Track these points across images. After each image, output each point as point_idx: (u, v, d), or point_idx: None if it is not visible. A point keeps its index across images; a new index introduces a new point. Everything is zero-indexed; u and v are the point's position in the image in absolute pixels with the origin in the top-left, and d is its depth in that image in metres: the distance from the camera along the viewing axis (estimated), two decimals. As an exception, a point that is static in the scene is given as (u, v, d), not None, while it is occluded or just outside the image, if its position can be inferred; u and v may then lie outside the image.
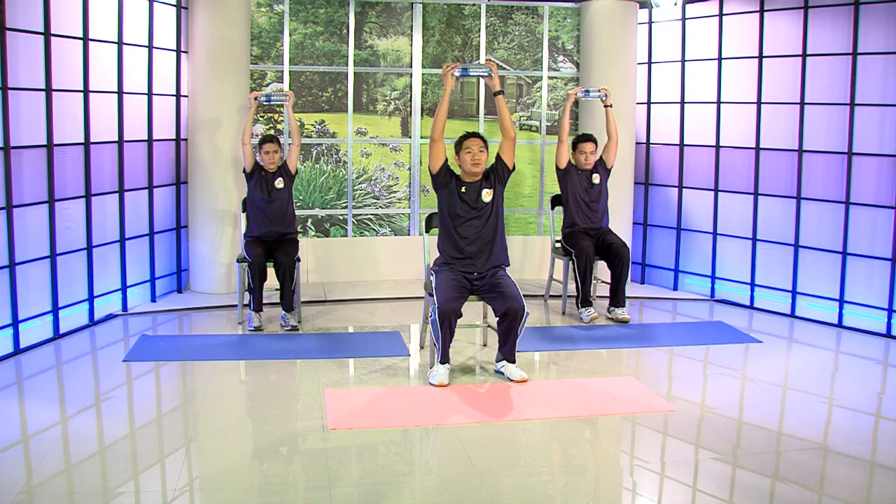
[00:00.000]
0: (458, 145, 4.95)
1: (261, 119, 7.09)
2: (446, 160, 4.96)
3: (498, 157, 4.98)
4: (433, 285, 4.87)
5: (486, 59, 4.98)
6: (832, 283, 6.22)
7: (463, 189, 4.91)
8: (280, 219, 5.98)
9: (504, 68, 7.50)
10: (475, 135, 4.94)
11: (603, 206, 6.41)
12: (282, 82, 7.11)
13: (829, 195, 6.21)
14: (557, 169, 6.42)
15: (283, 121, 7.14)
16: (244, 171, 6.05)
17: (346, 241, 7.39)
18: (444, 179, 4.94)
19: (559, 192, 6.70)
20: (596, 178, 6.37)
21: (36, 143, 5.29)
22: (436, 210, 5.27)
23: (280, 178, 5.98)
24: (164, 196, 6.63)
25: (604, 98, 6.41)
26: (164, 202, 6.65)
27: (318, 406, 4.41)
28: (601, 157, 6.44)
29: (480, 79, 5.12)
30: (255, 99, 6.05)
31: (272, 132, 6.99)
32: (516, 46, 7.51)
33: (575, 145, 6.40)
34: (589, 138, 6.38)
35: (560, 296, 6.57)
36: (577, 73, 7.51)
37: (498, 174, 4.97)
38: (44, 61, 5.29)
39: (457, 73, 4.97)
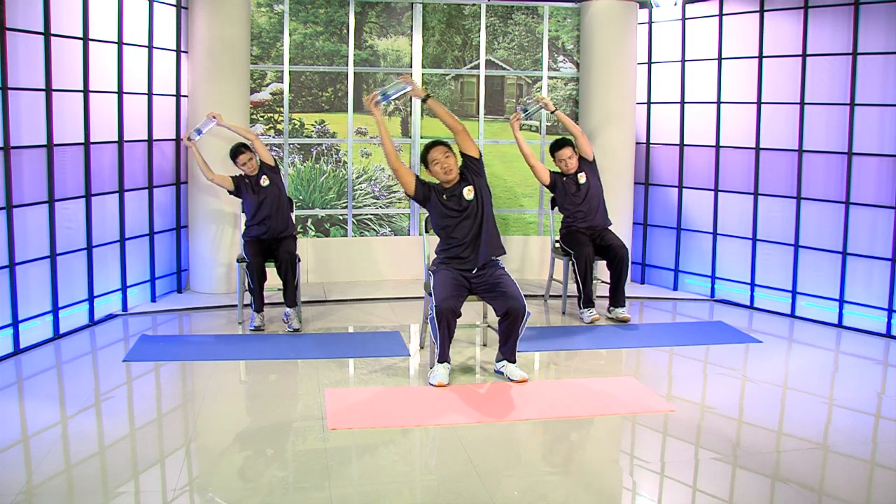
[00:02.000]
0: (424, 161, 4.96)
1: (260, 119, 7.09)
2: (417, 178, 4.98)
3: (461, 154, 4.98)
4: (431, 285, 4.87)
5: (401, 75, 5.06)
6: (832, 283, 6.22)
7: (445, 196, 4.93)
8: (275, 215, 5.98)
9: (504, 68, 7.50)
10: (436, 144, 4.94)
11: (597, 204, 6.37)
12: (282, 82, 7.11)
13: (829, 195, 6.21)
14: (543, 185, 6.44)
15: (282, 120, 7.15)
16: (228, 191, 6.09)
17: (345, 241, 7.39)
18: (424, 195, 4.97)
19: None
20: (582, 178, 6.34)
21: (36, 143, 5.29)
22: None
23: (264, 176, 6.01)
24: (164, 196, 6.63)
25: (544, 107, 6.46)
26: (164, 202, 6.65)
27: (318, 406, 4.41)
28: (580, 157, 6.41)
29: (404, 93, 5.14)
30: (189, 139, 6.16)
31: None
32: (516, 46, 7.51)
33: (553, 154, 6.39)
34: (563, 144, 6.36)
35: (560, 296, 6.57)
36: (577, 73, 7.51)
37: (471, 169, 4.96)
38: (44, 61, 5.29)
39: (379, 101, 5.03)
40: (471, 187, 4.91)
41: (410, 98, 7.35)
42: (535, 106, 6.50)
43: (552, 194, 6.52)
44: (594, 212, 6.36)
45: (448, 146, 4.94)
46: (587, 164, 6.39)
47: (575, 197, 6.33)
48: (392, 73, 7.35)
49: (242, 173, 6.04)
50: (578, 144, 6.39)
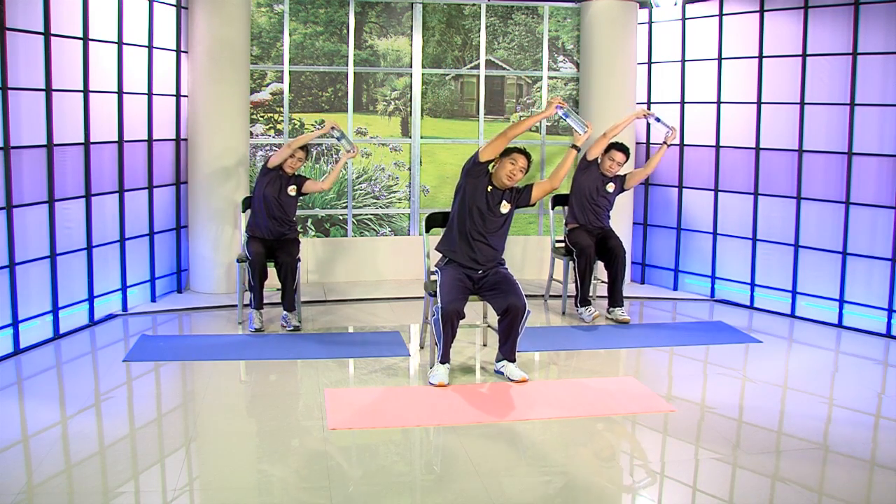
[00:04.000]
0: (507, 152, 4.95)
1: (260, 119, 7.09)
2: (495, 159, 4.98)
3: (529, 186, 5.02)
4: (437, 284, 4.88)
5: (588, 124, 5.15)
6: (832, 283, 6.22)
7: (489, 188, 4.95)
8: (282, 219, 5.98)
9: (504, 68, 7.50)
10: (527, 155, 4.95)
11: (605, 213, 6.42)
12: (282, 82, 7.12)
13: (829, 195, 6.21)
14: (583, 158, 6.40)
15: (282, 120, 7.14)
16: (265, 165, 6.00)
17: (346, 241, 7.39)
18: (481, 171, 4.95)
19: (560, 193, 6.69)
20: (610, 187, 6.35)
21: (36, 143, 5.29)
22: (436, 210, 5.29)
23: (294, 186, 5.98)
24: (164, 196, 6.62)
25: (668, 135, 6.34)
26: (164, 202, 6.65)
27: (318, 406, 4.41)
28: (625, 175, 6.42)
29: (572, 127, 5.23)
30: (332, 128, 5.92)
31: (272, 131, 6.99)
32: (516, 46, 7.51)
33: (609, 150, 6.34)
34: (624, 149, 6.32)
35: (560, 296, 6.57)
36: (577, 73, 7.51)
37: (520, 197, 5.01)
38: (44, 61, 5.29)
39: (559, 112, 5.07)
40: (509, 205, 4.97)
41: (411, 97, 7.35)
42: (665, 126, 6.35)
43: (576, 173, 6.44)
44: (602, 216, 6.38)
45: (530, 167, 4.97)
46: (620, 186, 6.41)
47: (593, 193, 6.32)
48: (392, 73, 7.35)
49: (281, 164, 5.96)
50: (638, 173, 6.45)
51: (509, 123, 4.95)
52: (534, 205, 5.09)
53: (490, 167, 4.99)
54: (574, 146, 5.17)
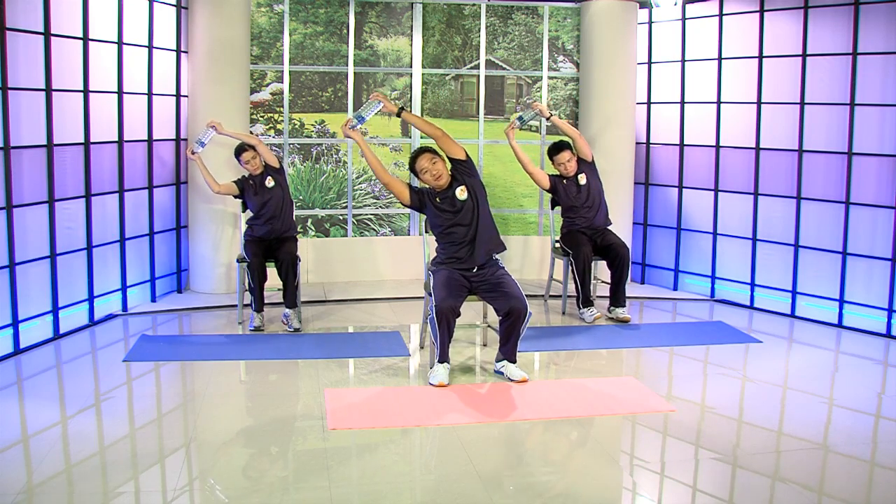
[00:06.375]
0: (414, 172, 4.98)
1: (260, 119, 7.09)
2: (409, 186, 5.00)
3: (448, 158, 4.97)
4: (431, 284, 4.88)
5: (373, 93, 5.05)
6: (832, 283, 6.22)
7: (438, 199, 4.94)
8: (278, 216, 5.99)
9: (504, 68, 7.51)
10: (421, 152, 4.94)
11: (598, 204, 6.37)
12: (282, 82, 7.12)
13: (829, 195, 6.21)
14: (546, 191, 6.45)
15: (282, 120, 7.15)
16: (234, 197, 6.12)
17: (345, 241, 7.39)
18: (419, 202, 5.00)
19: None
20: (582, 179, 6.35)
21: (36, 143, 5.29)
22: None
23: (269, 177, 6.01)
24: (164, 196, 6.63)
25: (539, 113, 6.43)
26: (164, 202, 6.65)
27: (318, 406, 4.41)
28: (578, 158, 6.41)
29: (380, 112, 5.12)
30: (193, 153, 6.11)
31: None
32: (516, 46, 7.51)
33: (552, 158, 6.39)
34: (561, 147, 6.34)
35: (560, 296, 6.57)
36: (577, 73, 7.51)
37: (461, 171, 4.95)
38: (44, 61, 5.29)
39: (353, 125, 5.03)
40: (463, 187, 4.92)
41: (411, 97, 7.35)
42: (530, 113, 6.48)
43: (552, 198, 6.51)
44: (596, 212, 6.37)
45: (433, 151, 4.95)
46: (586, 165, 6.39)
47: (577, 198, 6.33)
48: (392, 73, 7.35)
49: (246, 174, 6.05)
50: (577, 146, 6.39)
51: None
52: (466, 158, 4.89)
53: (422, 186, 5.01)
54: (398, 112, 4.97)
